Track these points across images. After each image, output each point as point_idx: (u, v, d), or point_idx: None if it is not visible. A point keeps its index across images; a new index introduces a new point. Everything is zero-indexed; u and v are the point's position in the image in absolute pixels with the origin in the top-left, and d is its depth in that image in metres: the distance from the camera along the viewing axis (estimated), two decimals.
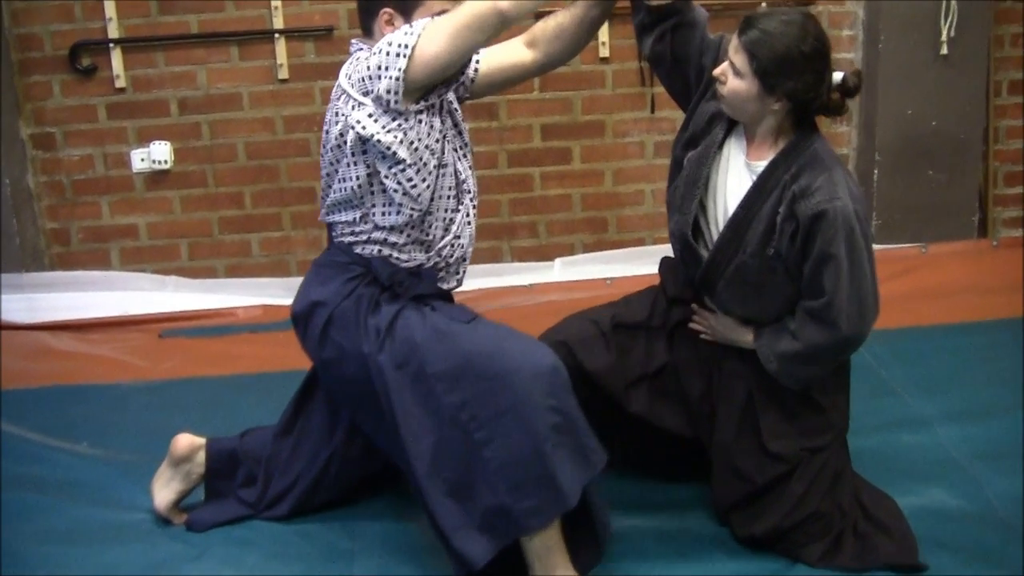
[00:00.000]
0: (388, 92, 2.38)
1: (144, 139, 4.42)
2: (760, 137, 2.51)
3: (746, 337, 2.61)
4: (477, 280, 4.49)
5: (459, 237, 2.64)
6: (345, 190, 2.54)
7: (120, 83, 4.34)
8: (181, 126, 4.42)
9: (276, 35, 4.33)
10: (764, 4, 4.40)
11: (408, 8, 2.50)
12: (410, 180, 2.47)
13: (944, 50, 4.31)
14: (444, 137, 2.53)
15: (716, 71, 2.46)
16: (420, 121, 2.44)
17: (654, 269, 2.89)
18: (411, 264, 2.58)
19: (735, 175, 2.55)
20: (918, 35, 4.32)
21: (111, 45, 4.29)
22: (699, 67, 2.61)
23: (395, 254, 2.56)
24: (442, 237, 2.60)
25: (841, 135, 4.58)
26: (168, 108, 4.40)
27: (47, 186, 4.47)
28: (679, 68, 2.65)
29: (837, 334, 2.46)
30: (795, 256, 2.46)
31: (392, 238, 2.54)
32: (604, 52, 4.43)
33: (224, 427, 3.07)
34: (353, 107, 2.45)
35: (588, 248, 4.69)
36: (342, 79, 2.51)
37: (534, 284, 4.52)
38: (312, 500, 2.83)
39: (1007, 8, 4.51)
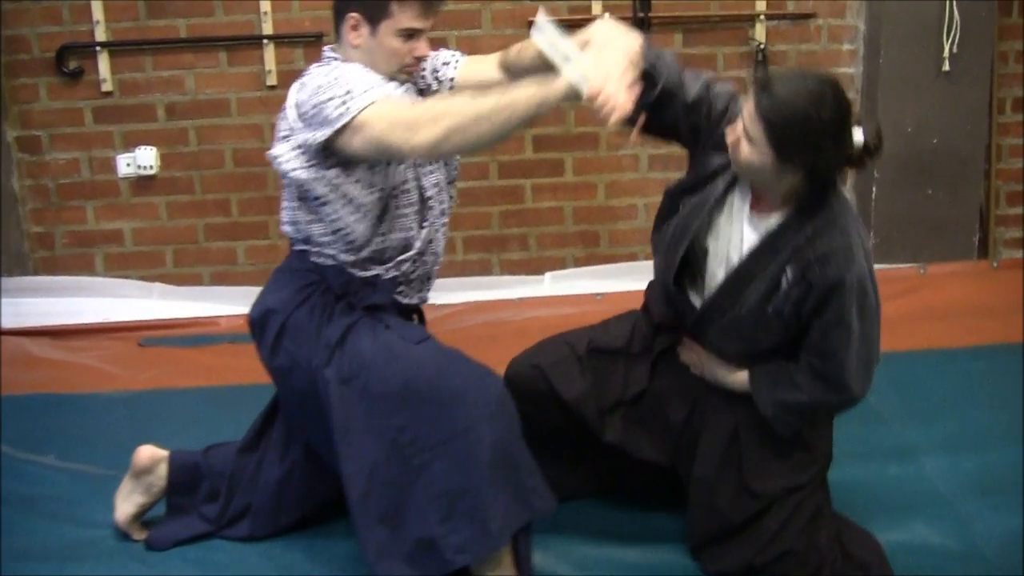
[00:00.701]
0: (310, 143, 2.32)
1: (130, 144, 4.36)
2: (771, 195, 2.35)
3: (738, 379, 2.51)
4: (465, 293, 4.47)
5: (423, 254, 2.56)
6: (287, 208, 2.48)
7: (107, 87, 4.28)
8: (168, 131, 4.35)
9: (265, 41, 4.26)
10: (763, 17, 4.32)
11: (375, 18, 2.41)
12: (331, 217, 2.41)
13: (946, 66, 4.22)
14: (388, 166, 2.44)
15: (729, 138, 2.30)
16: (349, 169, 2.37)
17: (646, 285, 2.80)
18: (367, 275, 2.50)
19: (737, 227, 2.41)
20: (920, 50, 4.23)
21: (98, 48, 4.23)
22: (692, 126, 2.44)
23: (349, 268, 2.49)
24: (400, 254, 2.52)
25: None
26: (155, 113, 4.34)
27: (32, 190, 4.42)
28: (671, 134, 2.50)
29: (844, 395, 2.40)
30: (800, 317, 2.37)
31: (342, 256, 2.47)
32: None
33: (198, 441, 2.97)
34: (282, 137, 2.40)
35: (579, 262, 4.61)
36: (290, 99, 2.43)
37: (523, 298, 4.44)
38: (276, 520, 2.75)
39: (1011, 24, 4.41)
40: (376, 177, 2.41)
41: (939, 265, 4.40)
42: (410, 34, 2.42)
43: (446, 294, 4.44)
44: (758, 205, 2.37)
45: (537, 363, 2.65)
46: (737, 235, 2.41)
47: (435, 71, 2.63)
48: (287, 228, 2.55)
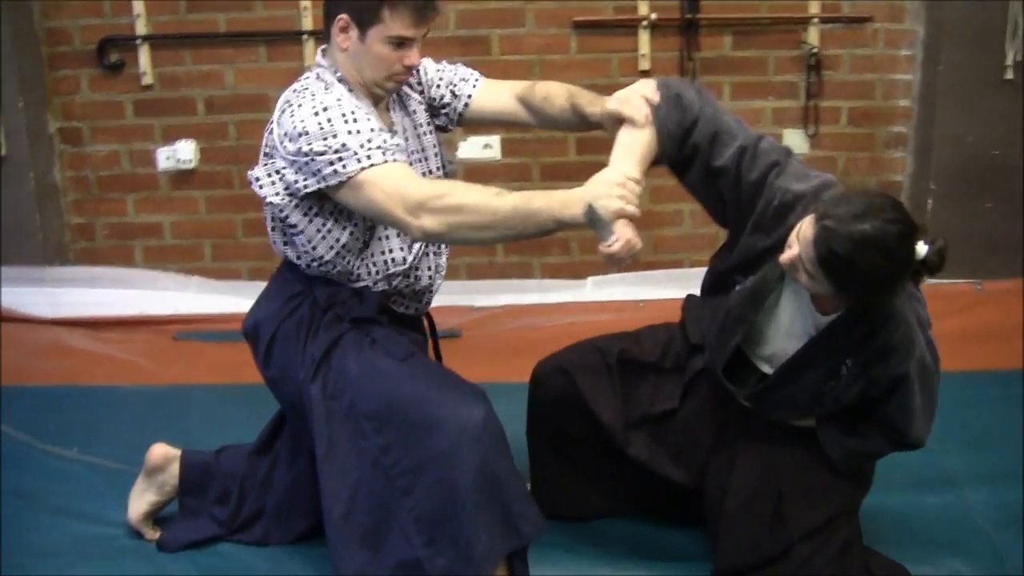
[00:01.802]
0: (293, 184, 2.25)
1: (170, 137, 4.36)
2: (832, 301, 2.23)
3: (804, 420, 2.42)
4: (504, 296, 4.41)
5: (416, 269, 2.48)
6: (267, 226, 2.44)
7: (147, 80, 4.28)
8: (207, 125, 4.34)
9: (304, 36, 4.22)
10: (816, 20, 4.17)
11: (365, 22, 2.29)
12: (303, 246, 2.34)
13: (1009, 75, 4.04)
14: None
15: (785, 260, 2.12)
16: (325, 203, 2.31)
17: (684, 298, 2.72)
18: (357, 285, 2.43)
19: (796, 316, 2.30)
20: (981, 57, 4.05)
21: (139, 42, 4.22)
22: (716, 194, 2.32)
23: (335, 280, 2.43)
24: (387, 271, 2.43)
25: (896, 161, 4.33)
26: (195, 107, 4.33)
27: (73, 181, 4.43)
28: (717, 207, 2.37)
29: (911, 448, 2.40)
30: (861, 399, 2.30)
31: (324, 268, 2.41)
32: (644, 64, 4.23)
33: (221, 439, 2.96)
34: (265, 154, 2.34)
35: (622, 268, 4.48)
36: (276, 113, 2.35)
37: (563, 303, 4.35)
38: (288, 526, 2.71)
39: None
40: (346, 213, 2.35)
41: (996, 282, 4.21)
42: (400, 42, 2.31)
43: (484, 296, 4.40)
44: (818, 300, 2.25)
45: (564, 365, 2.58)
46: (796, 326, 2.30)
47: (452, 84, 2.56)
48: (270, 241, 2.49)
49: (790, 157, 2.29)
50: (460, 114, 2.58)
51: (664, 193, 4.39)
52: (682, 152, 2.32)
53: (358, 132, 2.20)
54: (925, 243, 2.07)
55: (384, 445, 2.25)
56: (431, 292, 2.55)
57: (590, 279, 4.47)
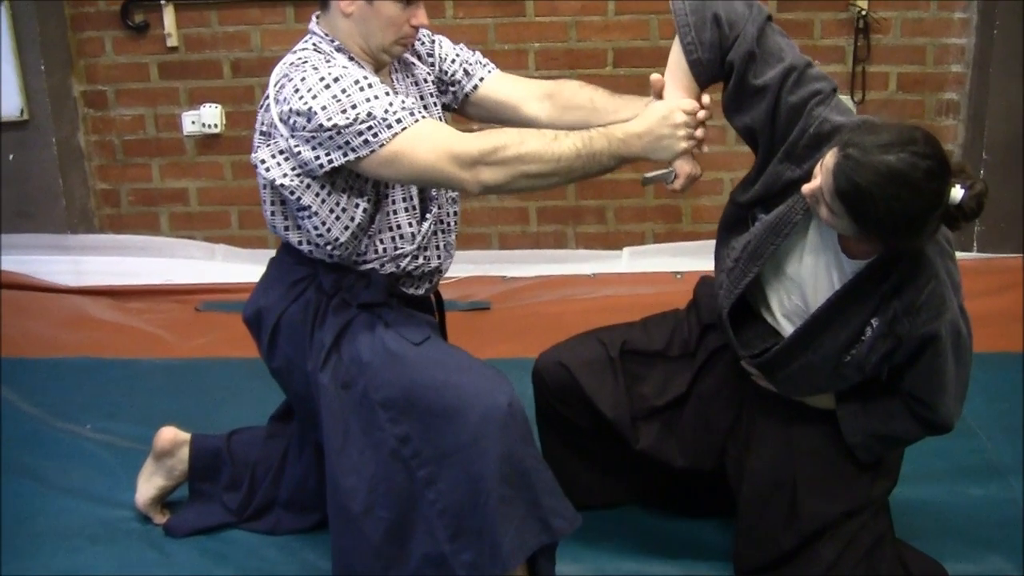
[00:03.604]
0: (314, 161, 2.11)
1: (195, 101, 4.28)
2: (858, 244, 2.04)
3: (822, 399, 2.25)
4: (538, 266, 4.32)
5: (425, 250, 2.34)
6: (265, 208, 2.31)
7: (172, 42, 4.19)
8: (233, 89, 4.24)
9: None
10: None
11: None
12: (316, 228, 2.20)
13: None
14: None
15: (806, 191, 1.95)
16: (338, 179, 2.18)
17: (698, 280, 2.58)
18: (363, 268, 2.30)
19: (823, 265, 2.10)
20: None
21: (163, 2, 4.13)
22: (772, 136, 2.12)
23: (340, 262, 2.30)
24: (395, 250, 2.30)
25: (947, 129, 4.14)
26: (221, 70, 4.24)
27: (98, 145, 4.37)
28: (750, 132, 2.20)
29: (940, 431, 2.18)
30: (888, 368, 2.13)
31: (337, 251, 2.27)
32: None
33: (239, 415, 2.91)
34: (261, 136, 2.20)
35: (659, 238, 4.37)
36: (271, 89, 2.19)
37: (598, 274, 4.24)
38: (300, 516, 2.62)
39: None
40: (373, 183, 2.23)
41: None
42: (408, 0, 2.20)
43: (517, 267, 4.31)
44: (847, 244, 2.06)
45: (564, 360, 2.45)
46: (823, 275, 2.11)
47: (467, 63, 2.45)
48: (268, 226, 2.36)
49: (836, 92, 2.10)
50: (467, 95, 2.46)
51: (702, 161, 4.20)
52: (724, 71, 2.17)
53: (376, 98, 2.08)
54: (962, 186, 1.88)
55: (402, 435, 2.14)
56: (440, 272, 2.43)
57: (626, 249, 4.36)
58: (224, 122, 4.27)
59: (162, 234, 4.45)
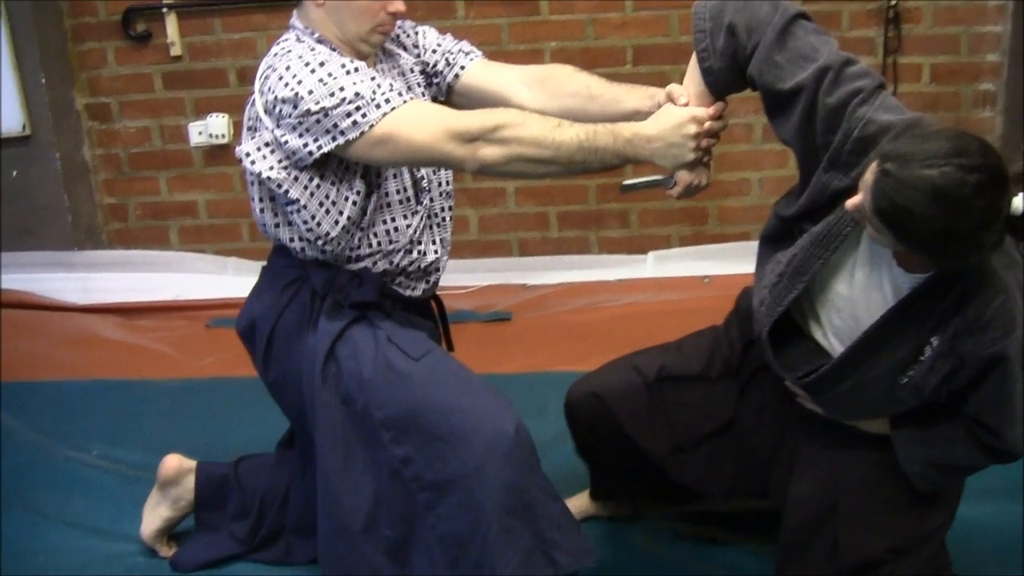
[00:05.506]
0: (302, 148, 2.02)
1: (201, 111, 4.14)
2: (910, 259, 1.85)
3: (874, 424, 2.07)
4: (559, 273, 4.19)
5: (418, 243, 2.23)
6: (253, 206, 2.22)
7: (175, 51, 4.05)
8: (240, 98, 4.02)
9: None
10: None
11: None
12: (306, 223, 2.10)
13: None
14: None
15: (850, 206, 1.76)
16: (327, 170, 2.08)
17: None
18: (356, 267, 2.20)
19: (875, 279, 1.93)
20: None
21: (165, 10, 4.00)
22: (812, 145, 1.94)
23: (331, 261, 2.20)
24: (388, 244, 2.19)
25: (984, 121, 3.97)
26: (226, 78, 4.11)
27: (103, 159, 4.25)
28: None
29: (1006, 459, 1.98)
30: (948, 392, 1.93)
31: (328, 247, 2.16)
32: None
33: (250, 439, 2.84)
34: (249, 128, 2.11)
35: (685, 241, 4.22)
36: (259, 80, 2.12)
37: (622, 280, 4.11)
38: (312, 543, 2.44)
39: None
40: (363, 174, 2.13)
41: None
42: None
43: (539, 274, 4.18)
44: (902, 257, 1.85)
45: (597, 390, 2.30)
46: (875, 292, 1.93)
47: (448, 53, 2.34)
48: (258, 225, 2.26)
49: (883, 89, 1.90)
50: (450, 85, 2.34)
51: (729, 161, 4.09)
52: (743, 81, 2.03)
53: (363, 81, 2.01)
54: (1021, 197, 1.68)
55: (404, 457, 2.06)
56: (438, 270, 2.31)
57: (651, 253, 4.21)
58: (232, 132, 4.14)
59: (171, 248, 4.33)
